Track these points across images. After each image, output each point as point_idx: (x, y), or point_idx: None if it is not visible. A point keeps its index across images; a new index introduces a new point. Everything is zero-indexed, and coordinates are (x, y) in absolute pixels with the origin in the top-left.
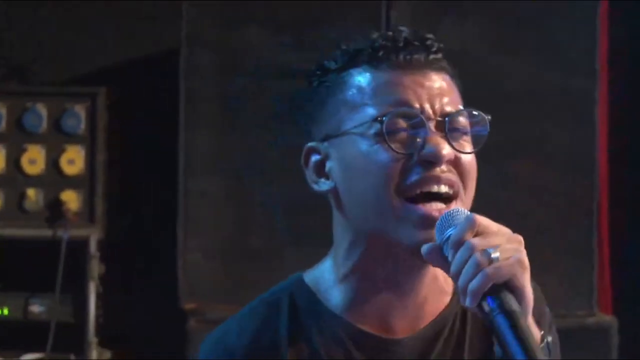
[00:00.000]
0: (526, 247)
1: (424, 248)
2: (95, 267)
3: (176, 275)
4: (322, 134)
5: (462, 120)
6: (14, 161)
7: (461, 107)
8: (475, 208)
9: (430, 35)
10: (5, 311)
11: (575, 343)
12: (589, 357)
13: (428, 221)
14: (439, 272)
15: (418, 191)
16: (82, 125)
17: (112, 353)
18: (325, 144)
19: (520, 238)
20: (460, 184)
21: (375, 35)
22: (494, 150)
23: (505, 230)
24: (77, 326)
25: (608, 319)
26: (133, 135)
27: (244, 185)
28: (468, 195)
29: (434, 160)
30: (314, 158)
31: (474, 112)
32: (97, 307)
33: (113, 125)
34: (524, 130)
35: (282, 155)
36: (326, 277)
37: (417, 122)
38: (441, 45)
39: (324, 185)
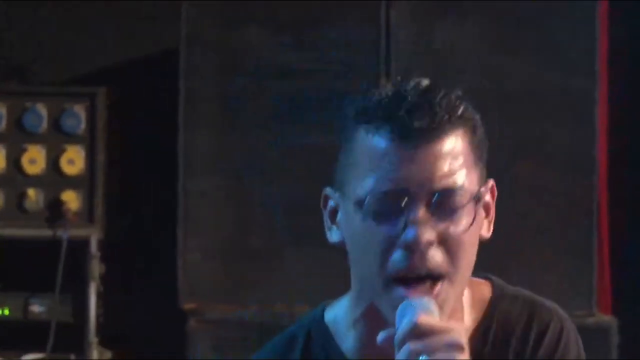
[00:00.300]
0: (526, 247)
1: (380, 336)
2: (96, 267)
3: (176, 275)
4: (335, 183)
5: (458, 193)
6: (14, 161)
7: (457, 181)
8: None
9: (440, 95)
10: (6, 311)
11: None
12: (588, 357)
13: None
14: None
15: (401, 274)
16: (82, 125)
17: (113, 353)
18: (338, 193)
19: (464, 345)
20: (447, 263)
21: (386, 91)
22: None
23: (451, 333)
24: (78, 326)
25: (607, 319)
26: (133, 135)
27: (244, 185)
28: (461, 272)
29: (413, 247)
30: (330, 203)
31: (459, 191)
32: (98, 307)
33: (113, 125)
34: (524, 130)
35: (282, 155)
36: (343, 316)
37: (402, 202)
38: (456, 103)
39: (335, 234)
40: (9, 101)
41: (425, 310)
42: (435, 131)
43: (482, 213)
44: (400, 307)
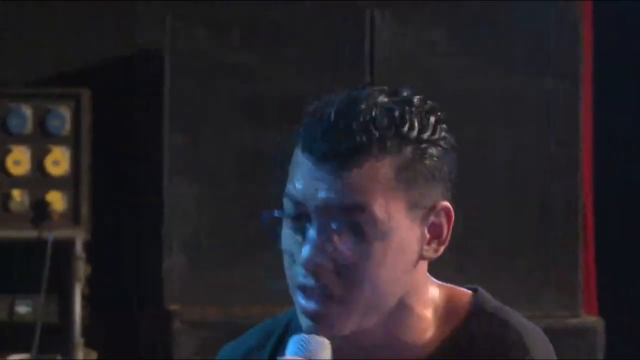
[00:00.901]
0: (511, 248)
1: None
2: (81, 268)
3: (162, 277)
4: None
5: (365, 219)
6: None
7: (365, 208)
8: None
9: (368, 118)
10: None
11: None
12: (574, 358)
13: (306, 314)
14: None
15: (300, 286)
16: (67, 126)
17: (99, 354)
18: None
19: None
20: (343, 288)
21: (315, 115)
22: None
23: None
24: (63, 327)
25: (593, 319)
26: (118, 135)
27: (230, 188)
28: (360, 299)
29: (306, 267)
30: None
31: (366, 218)
32: (83, 308)
33: (98, 126)
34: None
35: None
36: None
37: (305, 217)
38: (376, 128)
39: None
40: None
41: (307, 351)
42: (347, 158)
43: (413, 238)
44: (299, 340)
